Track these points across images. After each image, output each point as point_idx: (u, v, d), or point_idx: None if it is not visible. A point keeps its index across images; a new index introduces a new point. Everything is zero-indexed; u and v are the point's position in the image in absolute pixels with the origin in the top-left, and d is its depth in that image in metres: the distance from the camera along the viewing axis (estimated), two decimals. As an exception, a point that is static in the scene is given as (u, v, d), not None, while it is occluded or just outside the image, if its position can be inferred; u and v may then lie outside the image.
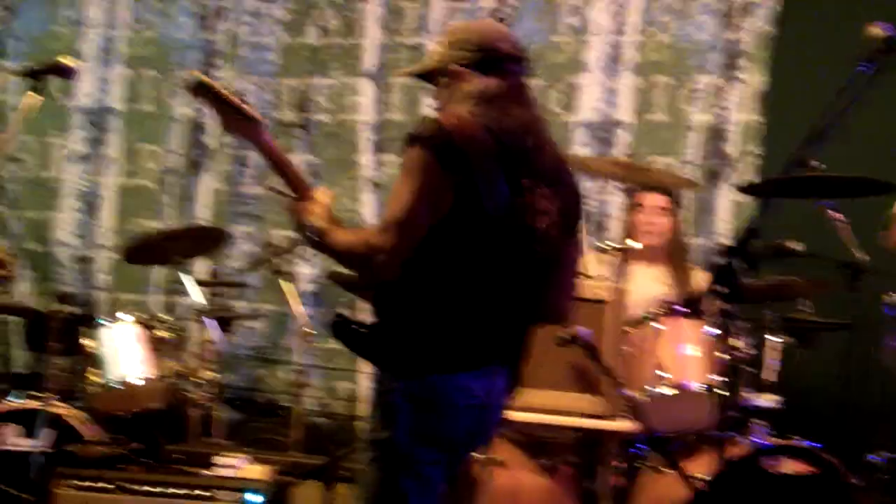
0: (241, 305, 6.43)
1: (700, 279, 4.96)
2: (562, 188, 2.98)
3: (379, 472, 2.92)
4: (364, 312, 5.63)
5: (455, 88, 2.97)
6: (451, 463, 2.98)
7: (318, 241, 2.97)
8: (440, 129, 2.80)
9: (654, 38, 6.08)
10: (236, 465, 4.76)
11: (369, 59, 6.45)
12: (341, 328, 2.98)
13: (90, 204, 6.74)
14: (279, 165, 3.09)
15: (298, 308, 5.65)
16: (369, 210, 6.34)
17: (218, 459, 4.81)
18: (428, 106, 6.27)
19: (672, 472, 4.10)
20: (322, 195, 3.03)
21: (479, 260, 2.84)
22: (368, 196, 6.37)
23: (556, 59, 6.20)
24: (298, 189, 3.05)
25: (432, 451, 2.89)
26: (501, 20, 6.15)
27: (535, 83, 3.25)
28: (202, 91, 3.04)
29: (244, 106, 3.05)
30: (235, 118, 3.06)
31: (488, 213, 2.79)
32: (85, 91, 6.75)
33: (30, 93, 3.35)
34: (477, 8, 6.30)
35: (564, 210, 2.98)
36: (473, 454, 3.18)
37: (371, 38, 6.46)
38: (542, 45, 6.16)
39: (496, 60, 2.98)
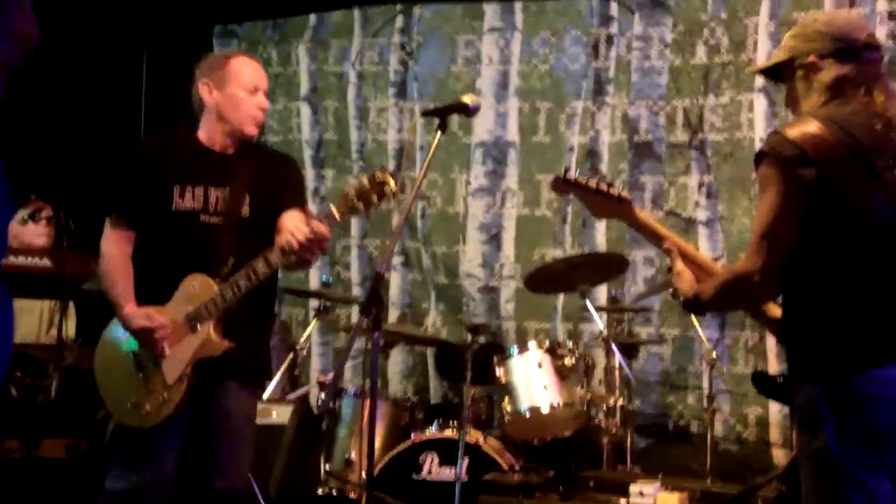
0: (645, 331, 6.40)
1: None
2: None
3: (817, 489, 2.83)
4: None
5: (811, 80, 2.97)
6: None
7: (697, 306, 3.07)
8: (784, 141, 2.82)
9: None
10: (651, 492, 4.72)
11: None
12: (762, 382, 3.12)
13: (493, 236, 6.92)
14: (654, 237, 3.23)
15: (703, 332, 5.55)
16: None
17: (633, 487, 4.80)
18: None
19: None
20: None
21: (864, 253, 2.83)
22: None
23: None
24: (672, 256, 3.16)
25: (871, 454, 2.78)
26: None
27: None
28: (567, 187, 3.21)
29: (610, 189, 3.19)
30: (604, 203, 3.22)
31: (855, 208, 2.81)
32: (483, 126, 6.96)
33: (437, 132, 3.46)
34: (871, 13, 5.98)
35: None
36: None
37: (763, 53, 6.27)
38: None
39: (854, 50, 2.98)
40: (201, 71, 3.99)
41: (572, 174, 3.22)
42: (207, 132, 3.98)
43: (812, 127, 2.84)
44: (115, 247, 3.92)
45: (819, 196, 2.79)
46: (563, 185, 3.22)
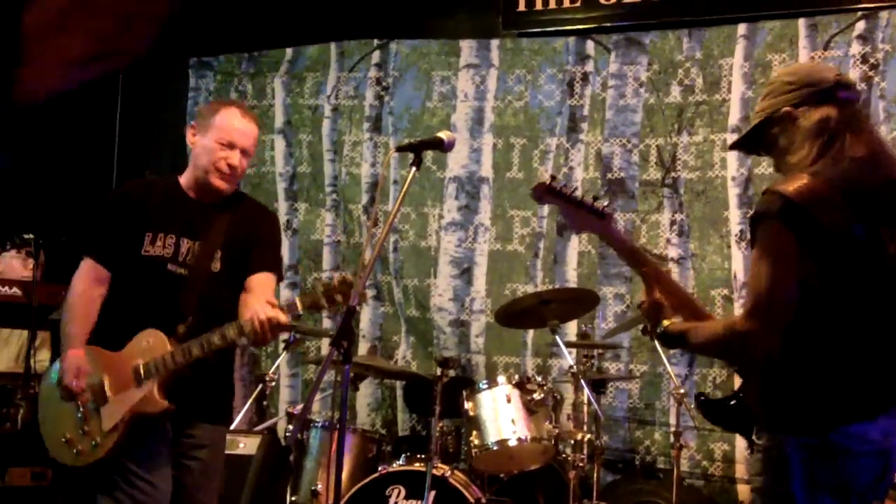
0: (614, 366, 6.41)
1: None
2: None
3: None
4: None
5: (792, 132, 2.96)
6: None
7: (677, 342, 3.05)
8: (784, 200, 2.79)
9: None
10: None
11: (735, 115, 6.32)
12: (707, 407, 3.13)
13: (465, 270, 6.92)
14: (631, 258, 3.22)
15: (671, 369, 5.56)
16: (739, 266, 6.17)
17: (598, 522, 4.80)
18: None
19: None
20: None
21: (855, 317, 2.82)
22: (738, 252, 6.20)
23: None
24: (650, 281, 3.15)
25: (833, 501, 2.81)
26: (875, 67, 5.91)
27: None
28: (549, 196, 3.20)
29: (594, 203, 3.19)
30: (584, 216, 3.21)
31: (855, 274, 2.79)
32: (457, 161, 6.98)
33: (412, 167, 3.47)
34: (844, 56, 6.05)
35: None
36: None
37: (737, 93, 6.34)
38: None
39: (826, 91, 2.97)
40: (196, 113, 4.03)
41: (557, 183, 3.21)
42: (187, 177, 4.01)
43: (812, 187, 2.80)
44: (84, 285, 3.94)
45: (819, 258, 2.78)
46: (545, 194, 3.21)
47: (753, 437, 2.99)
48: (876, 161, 2.91)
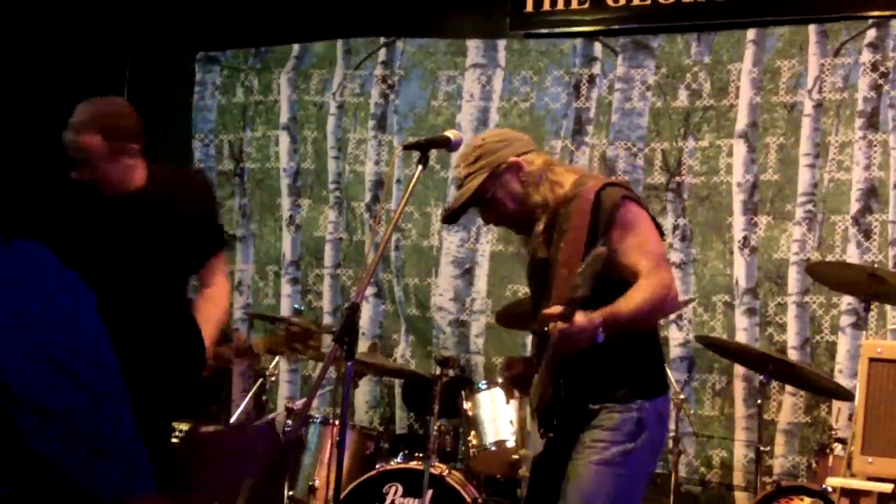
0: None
1: None
2: None
3: (616, 487, 3.26)
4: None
5: (523, 176, 3.34)
6: None
7: (618, 327, 3.12)
8: (627, 188, 3.39)
9: None
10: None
11: (742, 120, 6.31)
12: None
13: (466, 270, 6.90)
14: None
15: (671, 374, 5.55)
16: (741, 272, 6.16)
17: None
18: (806, 166, 6.06)
19: None
20: None
21: None
22: (740, 258, 6.19)
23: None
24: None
25: (654, 462, 3.48)
26: (885, 75, 5.90)
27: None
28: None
29: None
30: None
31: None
32: (462, 161, 6.95)
33: (418, 166, 3.46)
34: (855, 64, 6.03)
35: None
36: None
37: (745, 99, 6.32)
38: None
39: (528, 142, 3.48)
40: None
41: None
42: None
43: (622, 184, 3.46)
44: None
45: None
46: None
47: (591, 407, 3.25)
48: None
